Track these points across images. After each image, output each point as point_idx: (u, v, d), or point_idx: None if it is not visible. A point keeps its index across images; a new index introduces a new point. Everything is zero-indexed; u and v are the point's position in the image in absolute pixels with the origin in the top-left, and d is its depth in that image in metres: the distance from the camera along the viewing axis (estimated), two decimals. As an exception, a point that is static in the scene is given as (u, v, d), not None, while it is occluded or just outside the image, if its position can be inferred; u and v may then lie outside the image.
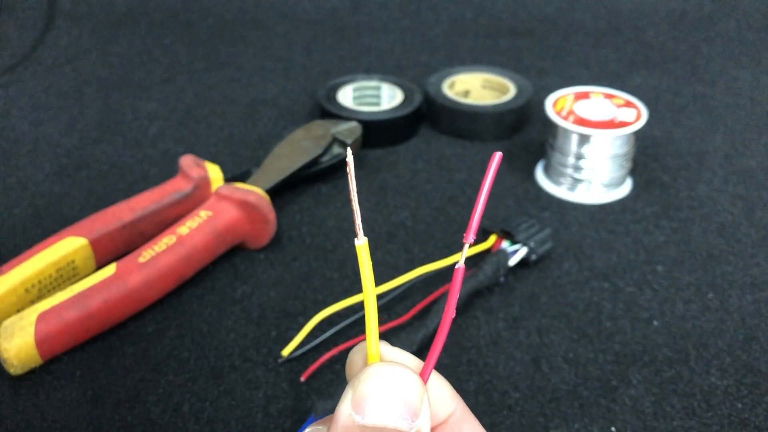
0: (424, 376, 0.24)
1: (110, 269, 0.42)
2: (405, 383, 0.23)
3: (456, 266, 0.23)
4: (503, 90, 0.64)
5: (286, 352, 0.40)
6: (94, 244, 0.45)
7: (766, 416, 0.37)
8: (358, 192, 0.22)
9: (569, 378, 0.39)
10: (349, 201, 0.22)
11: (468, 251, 0.50)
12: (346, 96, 0.63)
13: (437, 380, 0.25)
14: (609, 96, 0.55)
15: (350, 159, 0.22)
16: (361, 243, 0.22)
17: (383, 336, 0.41)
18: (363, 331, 0.41)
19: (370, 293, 0.23)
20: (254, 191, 0.47)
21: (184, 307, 0.44)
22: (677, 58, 0.75)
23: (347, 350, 0.40)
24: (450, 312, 0.23)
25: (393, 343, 0.38)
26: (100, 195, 0.54)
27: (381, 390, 0.22)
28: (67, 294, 0.40)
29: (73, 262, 0.44)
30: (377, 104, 0.65)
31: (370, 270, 0.23)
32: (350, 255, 0.48)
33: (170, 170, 0.55)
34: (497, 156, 0.22)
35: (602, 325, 0.42)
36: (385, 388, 0.22)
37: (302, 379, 0.39)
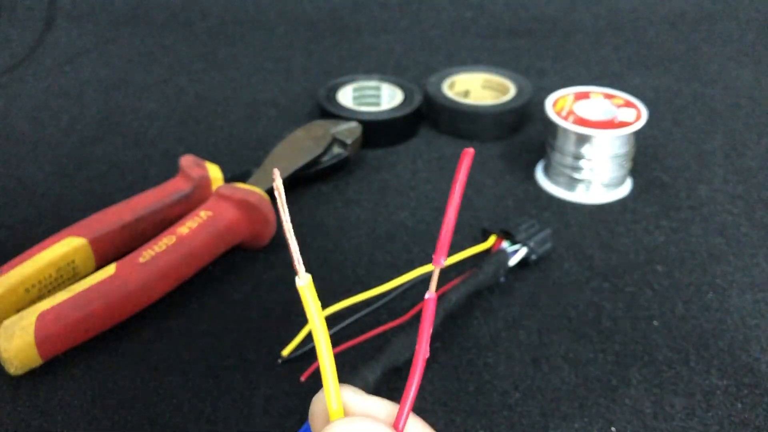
0: (398, 425, 0.21)
1: (110, 269, 0.42)
2: None
3: (426, 296, 0.20)
4: (503, 90, 0.64)
5: (286, 352, 0.40)
6: (94, 244, 0.45)
7: (766, 416, 0.37)
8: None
9: (569, 378, 0.39)
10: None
11: (468, 252, 0.50)
12: (346, 96, 0.63)
13: (417, 427, 0.22)
14: (609, 96, 0.55)
15: (279, 183, 0.19)
16: (304, 283, 0.19)
17: (383, 336, 0.41)
18: (363, 331, 0.41)
19: (321, 339, 0.20)
20: (254, 191, 0.47)
21: (184, 307, 0.44)
22: (677, 58, 0.75)
23: (347, 350, 0.40)
24: (423, 350, 0.20)
25: (392, 344, 0.39)
26: (100, 195, 0.54)
27: None
28: (67, 294, 0.40)
29: (73, 262, 0.44)
30: (377, 104, 0.65)
31: (320, 311, 0.20)
32: (350, 255, 0.48)
33: (170, 170, 0.55)
34: (468, 154, 0.18)
35: (602, 325, 0.42)
36: None
37: (302, 379, 0.39)
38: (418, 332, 0.20)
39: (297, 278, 0.19)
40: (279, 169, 0.52)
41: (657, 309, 0.44)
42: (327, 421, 0.21)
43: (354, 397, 0.21)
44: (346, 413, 0.21)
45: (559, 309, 0.44)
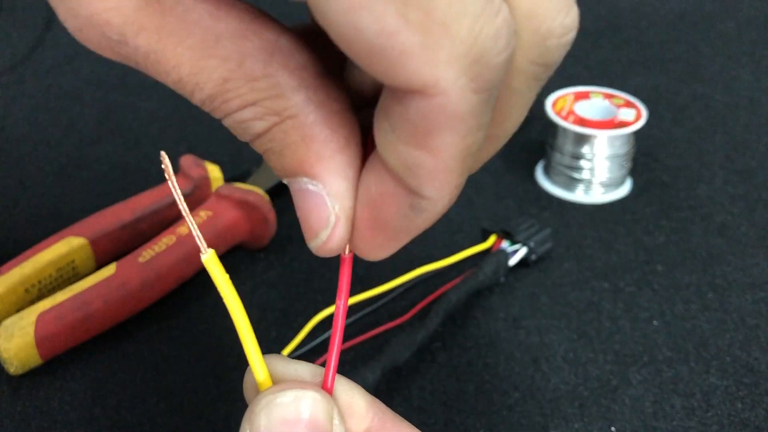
0: (326, 385, 0.21)
1: (110, 269, 0.42)
2: (304, 405, 0.20)
3: (343, 256, 0.21)
4: (503, 90, 0.64)
5: (286, 352, 0.40)
6: (94, 244, 0.45)
7: (766, 416, 0.37)
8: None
9: (569, 378, 0.39)
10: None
11: (468, 252, 0.50)
12: (346, 96, 0.63)
13: (346, 389, 0.22)
14: (609, 96, 0.55)
15: (167, 164, 0.19)
16: (208, 256, 0.20)
17: (383, 336, 0.41)
18: (363, 331, 0.41)
19: (236, 310, 0.20)
20: (254, 191, 0.47)
21: (184, 307, 0.44)
22: (677, 58, 0.75)
23: (347, 350, 0.40)
24: (343, 305, 0.21)
25: (392, 344, 0.39)
26: (100, 195, 0.54)
27: (278, 420, 0.19)
28: (67, 294, 0.40)
29: (73, 262, 0.44)
30: (377, 104, 0.65)
31: (228, 283, 0.20)
32: (350, 255, 0.48)
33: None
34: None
35: (602, 325, 0.42)
36: (283, 417, 0.19)
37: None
38: (338, 288, 0.21)
39: (201, 254, 0.20)
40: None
41: (657, 309, 0.44)
42: (257, 392, 0.21)
43: (280, 364, 0.22)
44: (275, 381, 0.21)
45: (559, 309, 0.44)
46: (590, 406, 0.38)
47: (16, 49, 0.77)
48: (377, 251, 0.20)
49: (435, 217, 0.19)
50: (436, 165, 0.17)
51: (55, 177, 0.56)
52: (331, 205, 0.18)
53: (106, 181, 0.56)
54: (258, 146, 0.18)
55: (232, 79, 0.17)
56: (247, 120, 0.17)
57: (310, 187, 0.18)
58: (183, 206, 0.19)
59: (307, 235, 0.19)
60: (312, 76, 0.17)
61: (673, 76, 0.71)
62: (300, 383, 0.20)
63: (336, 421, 0.20)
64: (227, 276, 0.20)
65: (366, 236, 0.19)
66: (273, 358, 0.22)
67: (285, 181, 0.19)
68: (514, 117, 0.19)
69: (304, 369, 0.22)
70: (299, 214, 0.19)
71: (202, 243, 0.20)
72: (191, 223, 0.20)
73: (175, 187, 0.19)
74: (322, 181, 0.18)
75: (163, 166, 0.19)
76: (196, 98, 0.17)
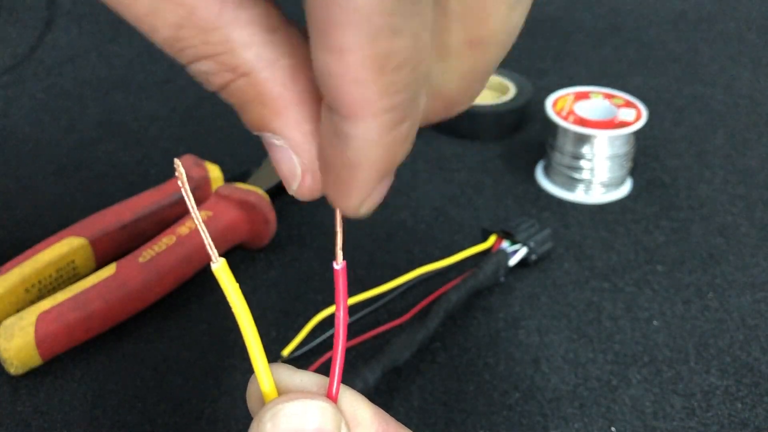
0: (331, 394, 0.21)
1: (110, 269, 0.42)
2: (312, 415, 0.20)
3: (335, 267, 0.20)
4: (503, 90, 0.64)
5: (286, 352, 0.40)
6: (94, 244, 0.45)
7: (766, 416, 0.37)
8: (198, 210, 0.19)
9: (569, 378, 0.39)
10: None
11: (468, 252, 0.50)
12: (346, 96, 0.63)
13: (350, 399, 0.21)
14: (609, 96, 0.55)
15: (181, 172, 0.19)
16: (218, 266, 0.19)
17: (383, 336, 0.41)
18: (363, 331, 0.41)
19: (245, 319, 0.20)
20: (254, 191, 0.47)
21: (184, 307, 0.44)
22: (677, 58, 0.75)
23: (347, 351, 0.40)
24: (342, 316, 0.20)
25: (392, 344, 0.39)
26: (100, 195, 0.54)
27: (286, 430, 0.20)
28: (67, 294, 0.40)
29: (73, 262, 0.44)
30: (377, 104, 0.64)
31: (238, 292, 0.20)
32: (349, 255, 0.48)
33: (170, 170, 0.55)
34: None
35: (602, 325, 0.42)
36: (291, 427, 0.20)
37: (302, 379, 0.39)
38: (335, 299, 0.21)
39: (211, 263, 0.20)
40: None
41: (657, 309, 0.44)
42: (261, 401, 0.21)
43: (285, 374, 0.21)
44: (280, 391, 0.21)
45: (559, 309, 0.44)
46: (590, 406, 0.38)
47: (16, 49, 0.77)
48: (343, 199, 0.18)
49: (365, 149, 0.16)
50: (344, 71, 0.15)
51: (55, 177, 0.56)
52: (295, 157, 0.18)
53: (106, 181, 0.56)
54: (224, 99, 0.18)
55: (185, 26, 0.16)
56: (205, 73, 0.17)
57: (275, 141, 0.18)
58: (196, 215, 0.19)
59: (284, 184, 0.19)
60: (264, 30, 0.17)
61: (673, 76, 0.71)
62: (307, 393, 0.20)
63: (343, 430, 0.20)
64: (237, 285, 0.20)
65: (325, 182, 0.19)
66: (278, 368, 0.21)
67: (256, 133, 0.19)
68: (501, 10, 0.16)
69: (309, 379, 0.22)
70: (274, 166, 0.19)
71: (213, 252, 0.19)
72: (204, 233, 0.19)
73: (189, 196, 0.19)
74: (283, 135, 0.18)
75: (177, 174, 0.19)
76: (156, 40, 0.17)
